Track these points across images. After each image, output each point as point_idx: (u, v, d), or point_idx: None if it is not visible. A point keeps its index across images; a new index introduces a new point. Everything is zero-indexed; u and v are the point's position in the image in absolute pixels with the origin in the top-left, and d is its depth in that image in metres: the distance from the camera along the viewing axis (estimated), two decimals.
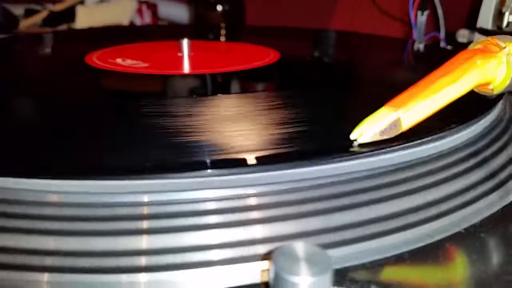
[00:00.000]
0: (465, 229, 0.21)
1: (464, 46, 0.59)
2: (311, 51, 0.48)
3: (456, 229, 0.21)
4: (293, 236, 0.19)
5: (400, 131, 0.21)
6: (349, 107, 0.29)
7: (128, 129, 0.24)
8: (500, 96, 0.27)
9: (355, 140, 0.21)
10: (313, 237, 0.19)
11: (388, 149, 0.21)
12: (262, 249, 0.18)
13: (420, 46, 0.56)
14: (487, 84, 0.24)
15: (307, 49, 0.49)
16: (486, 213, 0.22)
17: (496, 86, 0.24)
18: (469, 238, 0.21)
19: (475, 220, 0.22)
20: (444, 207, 0.22)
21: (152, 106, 0.27)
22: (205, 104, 0.28)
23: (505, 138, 0.27)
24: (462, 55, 0.24)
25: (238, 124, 0.24)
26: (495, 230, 0.21)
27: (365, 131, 0.21)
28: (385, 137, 0.21)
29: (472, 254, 0.20)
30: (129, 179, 0.19)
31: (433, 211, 0.21)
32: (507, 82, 0.24)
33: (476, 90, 0.25)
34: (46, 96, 0.31)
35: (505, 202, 0.23)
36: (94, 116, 0.26)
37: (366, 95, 0.32)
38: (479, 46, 0.24)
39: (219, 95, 0.30)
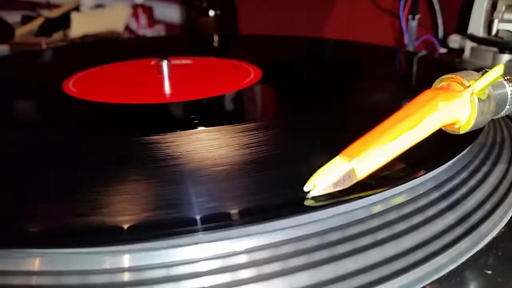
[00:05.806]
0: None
1: (455, 51, 0.57)
2: (292, 67, 0.47)
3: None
4: None
5: (354, 182, 0.21)
6: (319, 145, 0.28)
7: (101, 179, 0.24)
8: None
9: (309, 192, 0.20)
10: None
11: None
12: None
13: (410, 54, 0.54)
14: (453, 124, 0.23)
15: (291, 63, 0.48)
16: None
17: (462, 126, 0.23)
18: None
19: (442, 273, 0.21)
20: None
21: (126, 145, 0.27)
22: (177, 142, 0.27)
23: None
24: (424, 96, 0.22)
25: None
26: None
27: (318, 183, 0.20)
28: (339, 188, 0.20)
29: None
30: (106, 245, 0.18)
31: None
32: (472, 122, 0.23)
33: (443, 128, 0.24)
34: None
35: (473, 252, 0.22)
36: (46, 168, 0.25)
37: (341, 129, 0.30)
38: (444, 83, 0.23)
39: (200, 128, 0.29)
